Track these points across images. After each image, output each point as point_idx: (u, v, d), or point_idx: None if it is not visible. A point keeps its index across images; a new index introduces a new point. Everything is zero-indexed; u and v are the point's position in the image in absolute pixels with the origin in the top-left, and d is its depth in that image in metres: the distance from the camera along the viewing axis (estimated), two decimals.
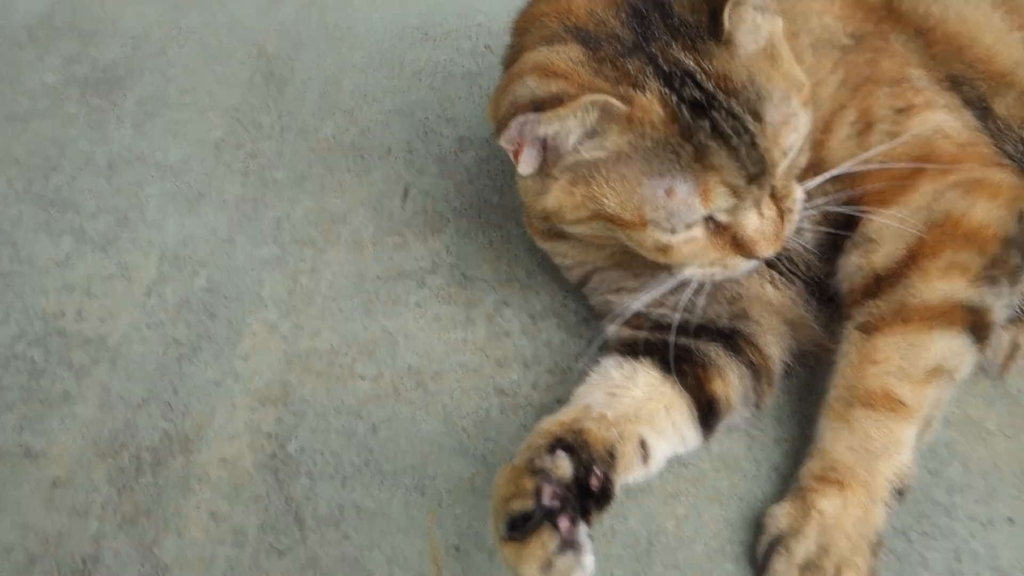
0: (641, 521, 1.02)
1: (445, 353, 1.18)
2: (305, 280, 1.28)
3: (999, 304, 0.99)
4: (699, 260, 0.96)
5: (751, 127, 0.87)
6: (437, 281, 1.26)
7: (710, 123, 0.86)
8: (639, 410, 1.00)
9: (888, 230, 0.99)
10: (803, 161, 0.97)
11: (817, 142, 1.02)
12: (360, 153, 1.44)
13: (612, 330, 1.12)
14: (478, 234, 1.31)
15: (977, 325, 0.97)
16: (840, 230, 1.03)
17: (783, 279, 1.09)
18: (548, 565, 0.81)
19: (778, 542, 0.96)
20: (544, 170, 0.93)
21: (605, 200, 0.91)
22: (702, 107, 0.87)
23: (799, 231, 1.05)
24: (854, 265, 1.01)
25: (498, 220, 1.32)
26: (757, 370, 1.06)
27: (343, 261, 1.29)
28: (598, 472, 0.92)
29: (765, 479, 1.05)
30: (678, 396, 1.03)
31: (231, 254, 1.31)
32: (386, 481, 1.07)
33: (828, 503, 0.95)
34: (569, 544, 0.82)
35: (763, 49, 0.91)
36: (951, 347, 0.97)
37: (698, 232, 0.93)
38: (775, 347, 1.08)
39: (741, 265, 0.96)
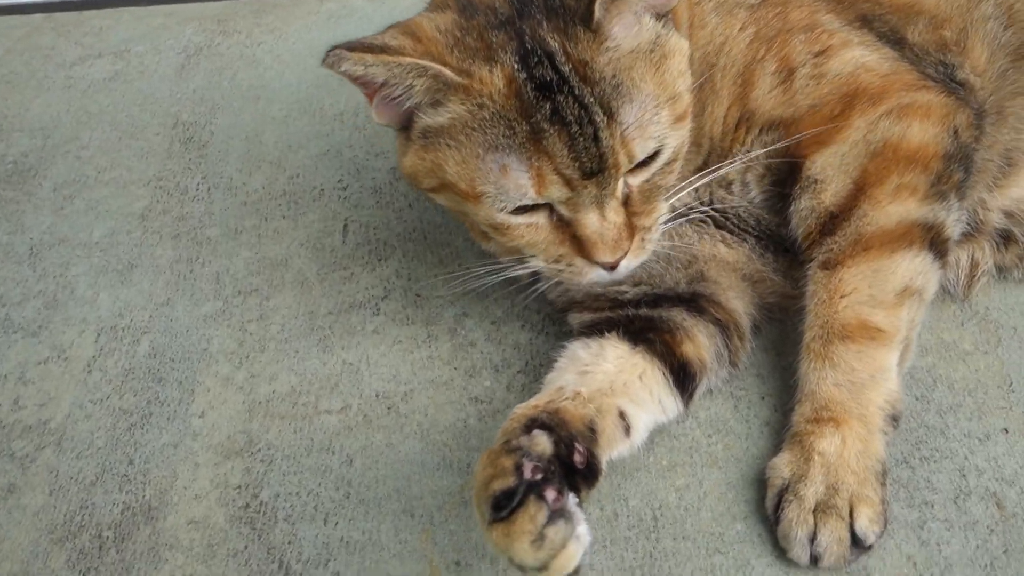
0: (642, 499, 0.98)
1: (412, 373, 1.14)
2: (254, 328, 1.22)
3: (951, 219, 1.00)
4: (543, 253, 0.95)
5: (597, 120, 0.86)
6: (392, 306, 1.22)
7: (552, 106, 0.85)
8: (613, 383, 0.97)
9: (832, 168, 1.00)
10: (671, 180, 0.95)
11: (740, 96, 1.03)
12: (293, 199, 1.41)
13: (574, 318, 1.10)
14: (426, 255, 1.28)
15: (935, 241, 0.98)
16: (786, 181, 1.04)
17: (734, 238, 1.09)
18: (540, 538, 0.76)
19: (786, 491, 0.93)
20: (407, 133, 0.94)
21: (447, 167, 0.90)
22: (550, 89, 0.86)
23: (745, 186, 1.06)
24: (806, 208, 1.01)
25: (445, 238, 1.30)
26: (725, 326, 1.05)
27: (291, 303, 1.25)
28: (580, 448, 0.88)
29: (758, 436, 1.02)
30: (650, 364, 1.00)
31: (172, 316, 1.25)
32: (371, 510, 1.01)
33: (827, 443, 0.93)
34: (559, 513, 0.77)
35: (642, 50, 0.90)
36: (915, 266, 0.97)
37: (541, 220, 0.92)
38: (738, 302, 1.07)
39: (585, 270, 0.93)
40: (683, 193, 0.99)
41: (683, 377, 1.01)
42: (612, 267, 0.93)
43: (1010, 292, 1.13)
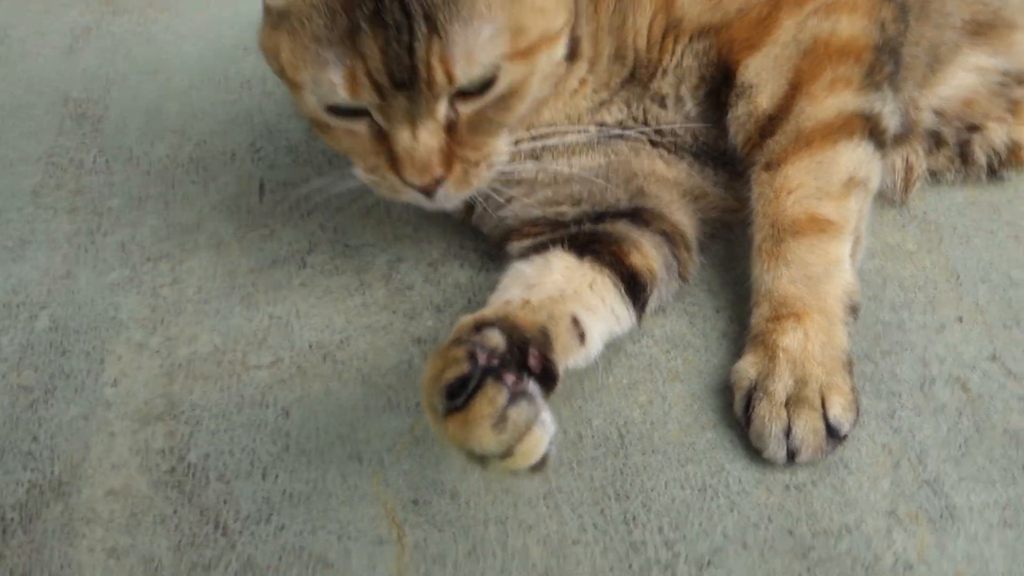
0: (606, 418, 0.93)
1: (347, 321, 1.06)
2: (167, 292, 1.12)
3: (887, 109, 0.99)
4: (362, 161, 0.93)
5: (416, 30, 0.81)
6: (319, 258, 1.14)
7: (376, 6, 0.81)
8: (563, 291, 0.92)
9: (766, 71, 0.98)
10: (510, 120, 0.91)
11: (665, 4, 1.00)
12: (201, 165, 1.31)
13: (514, 247, 1.05)
14: (352, 206, 1.21)
15: (874, 132, 0.97)
16: (720, 90, 1.01)
17: (672, 155, 1.06)
18: (501, 420, 0.70)
19: (754, 391, 0.89)
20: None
21: (282, 52, 0.87)
22: None
23: (679, 101, 1.03)
24: (743, 114, 0.99)
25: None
26: (671, 237, 1.01)
27: (208, 265, 1.15)
28: (535, 352, 0.82)
29: (717, 348, 0.99)
30: (599, 274, 0.95)
31: (74, 289, 1.13)
32: (313, 460, 0.92)
33: (790, 338, 0.90)
34: (521, 395, 0.72)
35: None
36: (857, 156, 0.96)
37: (362, 128, 0.89)
38: (682, 215, 1.04)
39: (398, 187, 0.90)
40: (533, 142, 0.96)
41: (634, 287, 0.96)
42: (425, 191, 0.90)
43: (944, 195, 1.13)
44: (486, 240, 1.11)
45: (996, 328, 0.97)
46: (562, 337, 0.88)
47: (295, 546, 0.85)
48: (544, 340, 0.85)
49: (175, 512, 0.89)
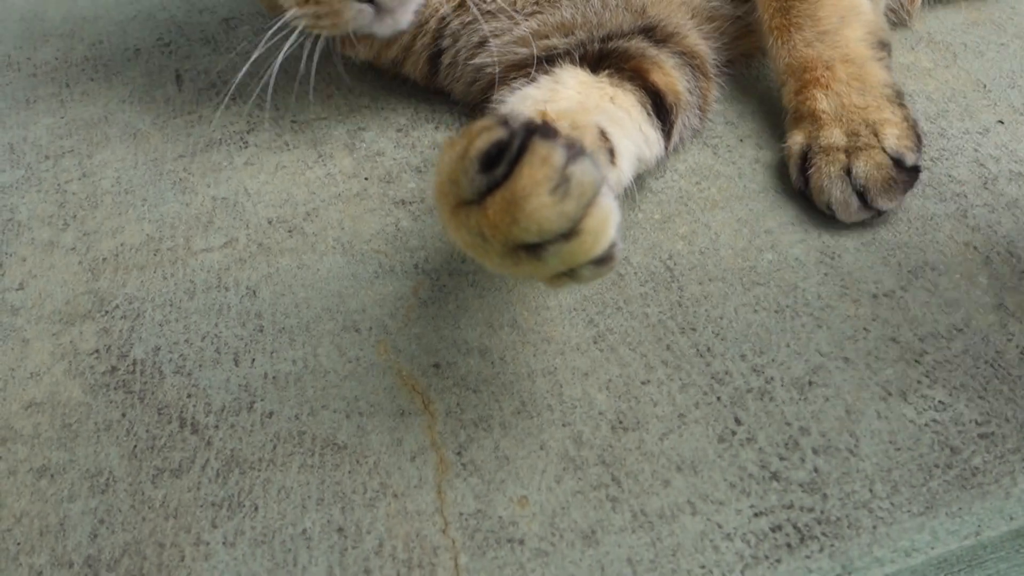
0: (648, 254, 0.78)
1: (310, 193, 0.87)
2: (76, 188, 0.90)
3: None
4: None
5: None
6: (262, 137, 0.95)
7: None
8: (584, 102, 0.77)
9: None
10: None
11: None
12: (100, 63, 1.10)
13: (503, 92, 0.88)
14: (292, 84, 1.01)
15: None
16: None
17: None
18: (563, 181, 0.52)
19: (808, 152, 0.80)
20: None
21: None
22: None
23: None
24: None
25: (312, 66, 1.05)
26: (690, 59, 0.88)
27: (124, 156, 0.94)
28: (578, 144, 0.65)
29: (752, 173, 0.86)
30: (620, 89, 0.81)
31: None
32: (298, 337, 0.73)
33: (826, 100, 0.81)
34: (581, 153, 0.53)
35: None
36: None
37: None
38: (696, 37, 0.91)
39: (337, 5, 0.79)
40: None
41: (659, 106, 0.82)
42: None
43: (944, 17, 1.05)
44: (461, 103, 0.95)
45: None
46: (591, 150, 0.73)
47: (292, 432, 0.66)
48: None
49: (123, 416, 0.68)
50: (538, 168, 0.52)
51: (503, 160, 0.53)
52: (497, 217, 0.53)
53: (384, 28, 0.82)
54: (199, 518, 0.61)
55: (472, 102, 0.93)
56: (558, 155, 0.53)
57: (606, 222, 0.54)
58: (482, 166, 0.54)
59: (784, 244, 0.78)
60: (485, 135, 0.55)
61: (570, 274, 0.56)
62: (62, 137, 0.98)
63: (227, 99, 1.00)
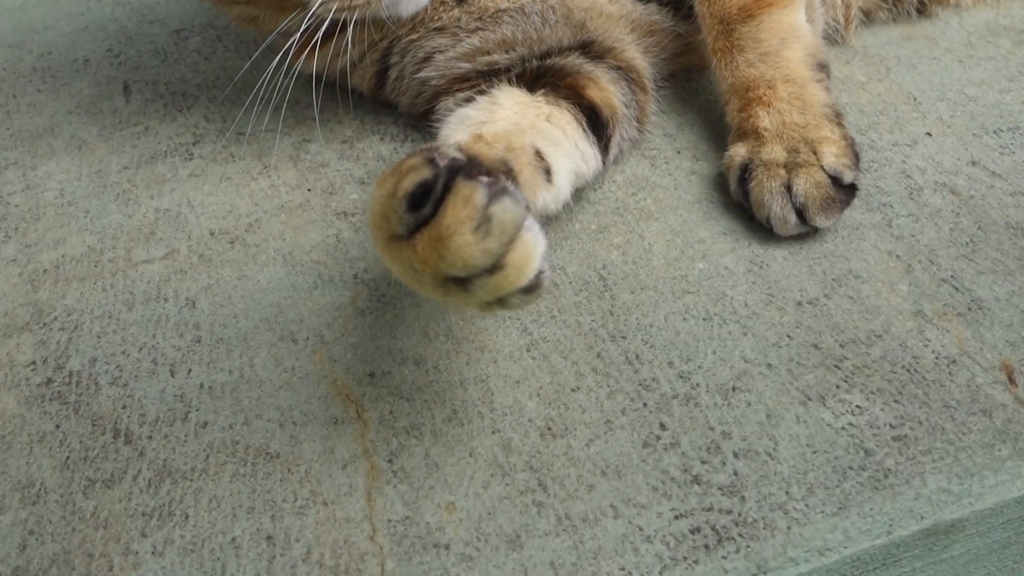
0: (583, 264, 0.79)
1: (253, 204, 0.88)
2: (19, 200, 0.91)
3: None
4: None
5: None
6: (207, 149, 0.96)
7: None
8: (520, 123, 0.79)
9: None
10: None
11: None
12: (48, 74, 1.10)
13: (443, 106, 0.90)
14: (239, 96, 1.03)
15: None
16: None
17: None
18: (484, 220, 0.54)
19: (748, 164, 0.82)
20: None
21: None
22: None
23: None
24: None
25: (259, 78, 1.05)
26: (626, 73, 0.90)
27: (68, 167, 0.94)
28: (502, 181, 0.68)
29: (687, 185, 0.88)
30: (556, 107, 0.83)
31: None
32: (235, 348, 0.74)
33: (767, 118, 0.84)
34: (502, 191, 0.56)
35: None
36: None
37: None
38: (634, 52, 0.93)
39: None
40: None
41: (595, 123, 0.84)
42: None
43: (879, 32, 1.08)
44: (406, 115, 0.96)
45: (967, 137, 0.91)
46: (526, 172, 0.75)
47: (225, 442, 0.67)
48: (507, 174, 0.71)
49: (57, 427, 0.68)
50: (461, 208, 0.55)
51: (429, 199, 0.56)
52: (425, 253, 0.56)
53: (410, 7, 0.83)
54: (129, 528, 0.62)
55: (417, 113, 0.94)
56: (479, 195, 0.55)
57: (529, 256, 0.57)
58: (409, 205, 0.57)
59: (716, 253, 0.80)
60: (411, 175, 0.58)
61: (499, 302, 0.58)
62: (6, 149, 0.98)
63: (175, 112, 1.01)
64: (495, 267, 0.56)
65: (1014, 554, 0.67)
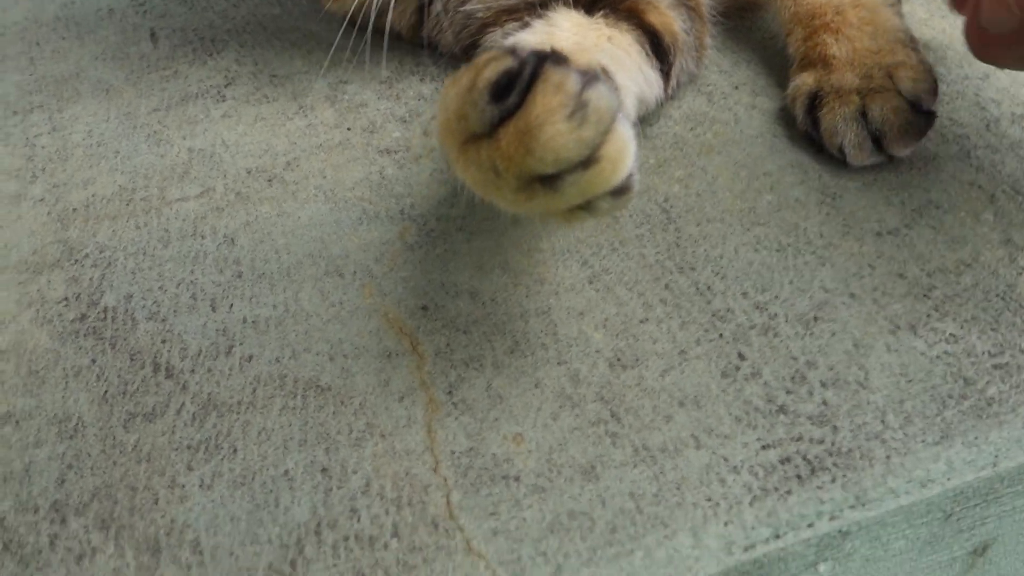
0: (643, 197, 0.75)
1: (291, 143, 0.84)
2: (46, 141, 0.87)
3: None
4: None
5: None
6: (241, 90, 0.92)
7: None
8: (582, 42, 0.74)
9: None
10: None
11: None
12: (72, 23, 1.06)
13: (492, 39, 0.86)
14: (273, 40, 0.99)
15: None
16: None
17: None
18: (580, 107, 0.49)
19: (818, 92, 0.77)
20: None
21: None
22: None
23: None
24: None
25: (291, 23, 1.01)
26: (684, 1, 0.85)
27: (96, 110, 0.90)
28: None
29: (748, 119, 0.83)
30: (616, 29, 0.78)
31: None
32: (279, 283, 0.70)
33: (836, 45, 0.79)
34: (596, 78, 0.51)
35: None
36: None
37: None
38: None
39: None
40: None
41: (657, 46, 0.80)
42: None
43: None
44: (447, 54, 0.92)
45: None
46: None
47: (272, 375, 0.62)
48: None
49: (94, 362, 0.64)
50: (552, 95, 0.50)
51: (514, 89, 0.51)
52: (511, 148, 0.51)
53: None
54: (174, 461, 0.57)
55: (463, 47, 0.90)
56: (572, 80, 0.50)
57: (624, 149, 0.52)
58: (492, 97, 0.51)
59: (784, 186, 0.75)
60: (494, 64, 0.52)
61: (587, 207, 0.53)
62: (31, 93, 0.94)
63: (204, 56, 0.97)
64: (589, 160, 0.50)
65: None
